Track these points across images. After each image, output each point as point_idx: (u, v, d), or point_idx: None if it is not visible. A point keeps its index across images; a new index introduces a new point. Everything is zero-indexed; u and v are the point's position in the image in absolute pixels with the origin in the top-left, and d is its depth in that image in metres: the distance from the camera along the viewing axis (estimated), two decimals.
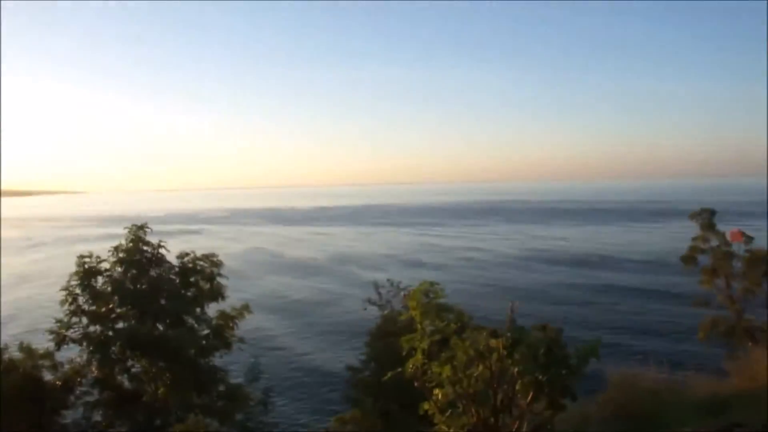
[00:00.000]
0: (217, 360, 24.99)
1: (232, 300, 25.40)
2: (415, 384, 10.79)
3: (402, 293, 26.40)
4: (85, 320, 24.06)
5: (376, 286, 28.01)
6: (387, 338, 23.96)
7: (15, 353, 25.80)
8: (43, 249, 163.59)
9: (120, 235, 25.35)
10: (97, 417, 24.36)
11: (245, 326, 25.42)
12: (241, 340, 24.97)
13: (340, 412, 27.74)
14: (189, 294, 24.32)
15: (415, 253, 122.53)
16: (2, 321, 64.53)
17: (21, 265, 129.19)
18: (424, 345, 10.53)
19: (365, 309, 28.82)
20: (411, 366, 10.71)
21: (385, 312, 26.90)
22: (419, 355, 10.54)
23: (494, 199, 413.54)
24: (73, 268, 24.36)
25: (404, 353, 10.92)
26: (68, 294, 24.14)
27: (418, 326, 10.77)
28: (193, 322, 24.20)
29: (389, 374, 11.42)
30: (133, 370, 24.65)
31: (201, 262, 24.68)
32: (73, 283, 24.24)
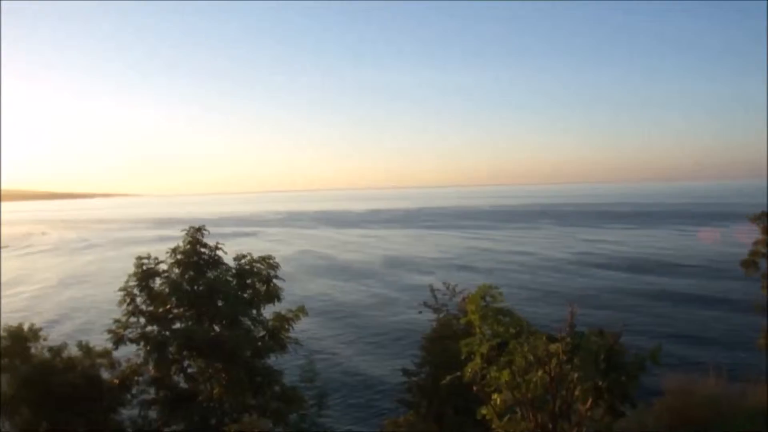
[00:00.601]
0: (272, 361, 25.06)
1: (286, 302, 25.52)
2: (474, 388, 10.77)
3: (457, 297, 26.28)
4: (142, 320, 24.38)
5: (432, 289, 27.87)
6: (442, 342, 23.94)
7: (74, 351, 26.33)
8: (97, 250, 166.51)
9: (172, 237, 25.63)
10: (153, 415, 24.67)
11: (299, 328, 25.52)
12: (296, 341, 24.97)
13: (393, 414, 27.82)
14: (245, 296, 24.40)
15: (466, 257, 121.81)
16: (57, 319, 65.80)
17: (75, 266, 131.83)
18: (484, 349, 10.49)
19: (420, 312, 28.75)
20: (470, 370, 10.68)
21: (441, 315, 26.81)
22: (478, 360, 10.51)
23: (543, 201, 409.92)
24: (126, 269, 24.71)
25: (463, 357, 10.90)
26: (126, 294, 24.46)
27: (477, 330, 10.74)
28: (249, 323, 24.28)
29: (448, 378, 11.41)
30: (189, 370, 24.91)
31: (258, 264, 24.76)
32: (132, 283, 24.56)
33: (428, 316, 27.78)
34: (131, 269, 24.50)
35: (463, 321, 11.75)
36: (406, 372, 27.46)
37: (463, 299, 21.24)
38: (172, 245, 25.13)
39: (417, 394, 26.02)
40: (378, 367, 49.18)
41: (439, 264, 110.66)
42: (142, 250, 26.84)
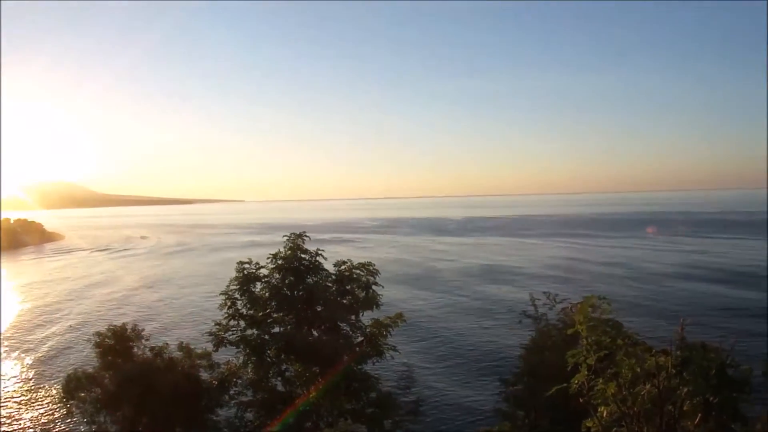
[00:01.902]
0: (369, 367, 24.98)
1: (383, 308, 25.40)
2: (580, 399, 10.41)
3: (557, 307, 25.75)
4: (242, 324, 24.62)
5: (532, 298, 27.39)
6: (541, 352, 23.47)
7: (175, 352, 26.78)
8: (190, 254, 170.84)
9: (265, 243, 25.79)
10: (249, 417, 24.94)
11: (396, 335, 25.37)
12: (394, 348, 24.83)
13: (488, 424, 27.39)
14: (345, 301, 24.45)
15: (568, 265, 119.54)
16: (144, 318, 67.44)
17: (166, 269, 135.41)
18: (591, 361, 10.13)
19: (520, 322, 28.30)
20: (576, 382, 10.32)
21: (540, 325, 26.31)
22: (584, 371, 10.15)
23: (648, 209, 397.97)
24: (214, 273, 25.13)
25: (568, 368, 10.54)
26: (227, 298, 24.80)
27: (584, 341, 10.38)
28: (348, 329, 24.31)
29: (554, 389, 11.04)
30: (287, 373, 25.07)
31: (357, 271, 24.77)
32: (233, 287, 24.86)
33: (527, 326, 27.32)
34: (219, 273, 24.93)
35: (570, 331, 11.33)
36: (503, 381, 27.07)
37: (570, 309, 20.65)
38: (264, 251, 25.33)
39: (513, 405, 25.60)
40: (473, 376, 48.68)
41: (537, 273, 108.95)
42: (235, 256, 27.21)
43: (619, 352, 10.06)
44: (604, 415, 10.04)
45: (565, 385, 10.51)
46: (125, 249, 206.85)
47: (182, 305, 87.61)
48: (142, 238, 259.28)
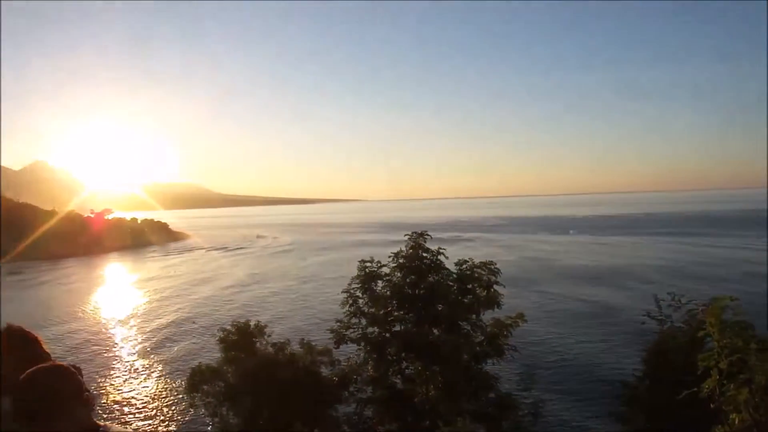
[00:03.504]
0: (490, 367, 24.83)
1: (504, 308, 25.22)
2: (711, 405, 10.05)
3: (683, 308, 25.03)
4: (363, 321, 24.84)
5: (656, 299, 26.68)
6: (665, 355, 22.88)
7: (296, 348, 27.29)
8: (298, 253, 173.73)
9: (384, 242, 25.91)
10: (368, 413, 25.13)
11: (517, 334, 25.15)
12: (514, 348, 24.61)
13: (606, 428, 26.88)
14: (466, 300, 24.35)
15: (693, 265, 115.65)
16: (264, 315, 68.73)
17: (289, 267, 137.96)
18: (723, 365, 9.77)
19: (643, 323, 27.62)
20: (707, 386, 9.97)
21: (665, 327, 25.63)
22: (716, 375, 9.79)
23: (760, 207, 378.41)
24: (337, 272, 25.40)
25: (699, 372, 10.20)
26: (349, 296, 25.07)
27: (716, 344, 10.02)
28: (469, 328, 24.21)
29: (684, 393, 10.71)
30: (407, 371, 25.13)
31: (479, 270, 24.62)
32: (355, 286, 25.13)
33: (651, 327, 26.65)
34: (337, 272, 25.27)
35: (700, 334, 10.94)
36: (624, 385, 26.50)
37: (699, 310, 20.07)
38: (382, 250, 25.51)
39: (635, 408, 25.03)
40: (600, 377, 47.80)
41: (665, 273, 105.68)
42: (352, 255, 27.53)
43: (751, 356, 9.68)
44: (736, 422, 9.67)
45: (695, 389, 10.15)
46: (244, 248, 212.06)
47: (301, 302, 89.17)
48: (259, 237, 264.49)
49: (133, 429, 39.50)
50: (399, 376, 25.22)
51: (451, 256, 25.93)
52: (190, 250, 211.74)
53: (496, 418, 24.21)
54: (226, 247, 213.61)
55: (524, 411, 25.77)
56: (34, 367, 3.94)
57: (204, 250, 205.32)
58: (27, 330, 5.43)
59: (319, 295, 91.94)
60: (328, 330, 25.95)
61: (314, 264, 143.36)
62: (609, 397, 36.60)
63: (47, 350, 5.39)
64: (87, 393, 4.03)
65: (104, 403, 47.36)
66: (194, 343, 66.93)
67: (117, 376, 55.51)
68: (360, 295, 25.03)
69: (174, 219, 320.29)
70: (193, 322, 77.29)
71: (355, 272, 25.79)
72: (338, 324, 25.15)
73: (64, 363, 4.02)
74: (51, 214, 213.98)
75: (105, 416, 42.44)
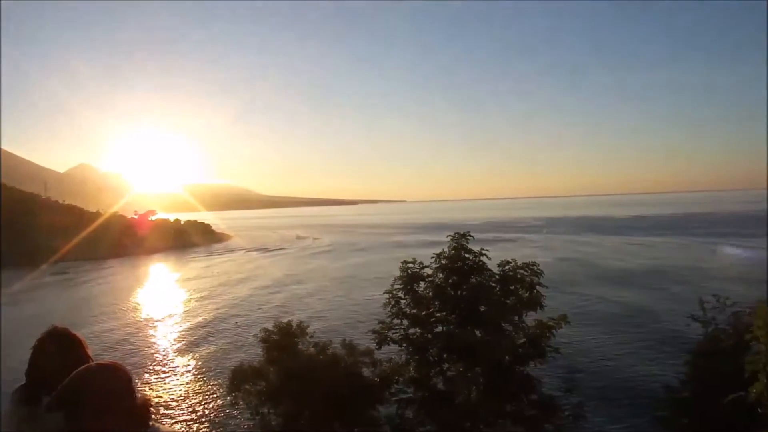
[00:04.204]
0: (531, 369, 24.74)
1: (546, 309, 25.08)
2: (759, 410, 9.96)
3: (728, 311, 24.75)
4: (406, 323, 24.90)
5: (701, 301, 26.40)
6: (710, 358, 22.64)
7: (338, 349, 27.43)
8: (354, 254, 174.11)
9: (425, 243, 25.90)
10: (409, 414, 25.15)
11: (558, 336, 25.00)
12: (557, 350, 24.47)
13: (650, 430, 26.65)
14: (508, 302, 24.30)
15: (736, 268, 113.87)
16: (305, 315, 69.12)
17: (332, 268, 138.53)
18: None
19: (687, 326, 27.38)
20: (754, 391, 9.87)
21: (709, 330, 25.36)
22: (763, 380, 9.69)
23: None
24: (378, 273, 25.47)
25: (746, 375, 10.10)
26: (391, 297, 25.16)
27: (763, 348, 9.91)
28: (511, 329, 24.16)
29: (730, 397, 10.63)
30: (449, 373, 25.13)
31: (521, 271, 24.57)
32: (397, 286, 25.21)
33: (694, 330, 26.41)
34: (377, 273, 25.32)
35: (747, 337, 10.84)
36: (667, 388, 26.27)
37: (747, 313, 19.78)
38: (424, 251, 25.53)
39: (678, 412, 24.79)
40: (641, 380, 47.35)
41: (706, 274, 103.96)
42: (393, 255, 27.61)
43: None
44: None
45: (742, 393, 10.04)
46: (284, 248, 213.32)
47: (341, 303, 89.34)
48: (299, 237, 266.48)
49: (179, 429, 39.90)
50: (440, 378, 25.24)
51: (490, 257, 25.89)
52: (232, 250, 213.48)
53: (538, 421, 24.15)
54: (266, 248, 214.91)
55: (566, 414, 25.66)
56: (85, 366, 3.99)
57: (245, 251, 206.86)
58: (72, 331, 5.51)
59: (358, 296, 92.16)
60: (369, 331, 26.09)
61: (353, 265, 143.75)
62: (651, 400, 36.42)
63: (89, 353, 5.47)
64: (139, 393, 4.07)
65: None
66: (233, 342, 67.41)
67: (155, 374, 56.05)
68: (402, 296, 25.13)
69: (216, 220, 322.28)
70: (236, 323, 77.77)
71: (394, 273, 25.91)
72: (380, 325, 25.30)
73: (116, 362, 4.07)
74: (95, 215, 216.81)
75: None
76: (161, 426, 4.20)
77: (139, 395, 4.04)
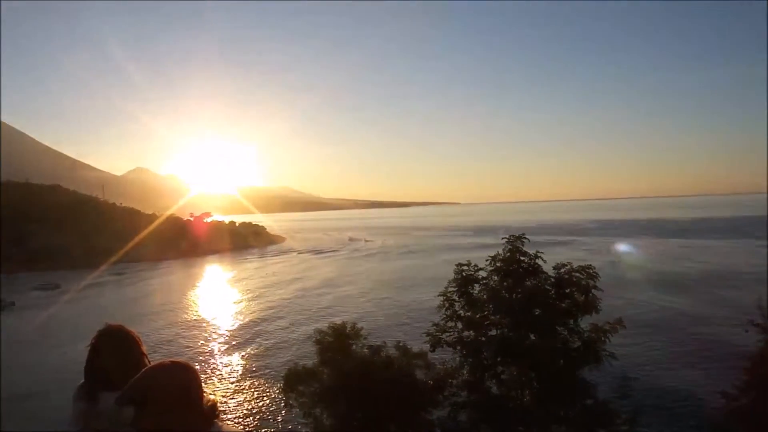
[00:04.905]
0: (586, 374, 24.49)
1: (602, 313, 24.81)
2: None
3: None
4: (460, 325, 24.86)
5: (759, 307, 25.96)
6: None
7: (392, 351, 27.51)
8: (408, 256, 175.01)
9: (478, 245, 25.83)
10: (462, 418, 25.06)
11: (615, 340, 24.70)
12: (612, 355, 24.16)
13: None
14: (563, 305, 24.09)
15: None
16: (357, 317, 69.43)
17: (383, 269, 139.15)
18: None
19: (747, 331, 26.95)
20: None
21: None
22: None
23: None
24: (431, 275, 25.45)
25: None
26: (446, 299, 25.13)
27: None
28: (566, 333, 23.95)
29: None
30: (503, 376, 24.99)
31: (577, 274, 24.33)
32: (451, 289, 25.20)
33: (754, 337, 26.00)
34: (430, 275, 25.31)
35: None
36: (724, 396, 25.87)
37: None
38: (480, 252, 25.45)
39: (737, 420, 24.43)
40: (692, 388, 46.72)
41: (763, 280, 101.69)
42: (447, 258, 27.60)
43: None
44: None
45: None
46: (336, 250, 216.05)
47: (393, 305, 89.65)
48: (351, 240, 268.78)
49: (242, 429, 40.27)
50: (494, 381, 25.12)
51: (546, 260, 25.69)
52: (286, 252, 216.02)
53: (592, 427, 23.91)
54: (319, 250, 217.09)
55: (621, 420, 25.38)
56: (158, 362, 4.04)
57: (297, 253, 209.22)
58: (127, 329, 5.58)
59: (410, 298, 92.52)
60: (423, 333, 26.10)
61: (405, 267, 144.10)
62: (708, 408, 35.95)
63: (144, 350, 5.54)
64: (205, 392, 4.11)
65: None
66: (283, 341, 68.24)
67: (203, 373, 56.73)
68: (456, 298, 25.09)
69: (269, 222, 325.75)
70: (290, 324, 78.44)
71: (446, 276, 25.93)
72: (434, 327, 25.26)
73: (183, 360, 4.11)
74: (151, 217, 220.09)
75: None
76: (225, 425, 4.24)
77: (207, 395, 4.08)
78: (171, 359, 4.03)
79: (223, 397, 49.62)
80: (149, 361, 5.30)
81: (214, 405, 4.07)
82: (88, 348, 5.55)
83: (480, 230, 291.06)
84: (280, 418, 43.63)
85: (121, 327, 5.60)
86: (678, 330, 67.09)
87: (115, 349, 5.37)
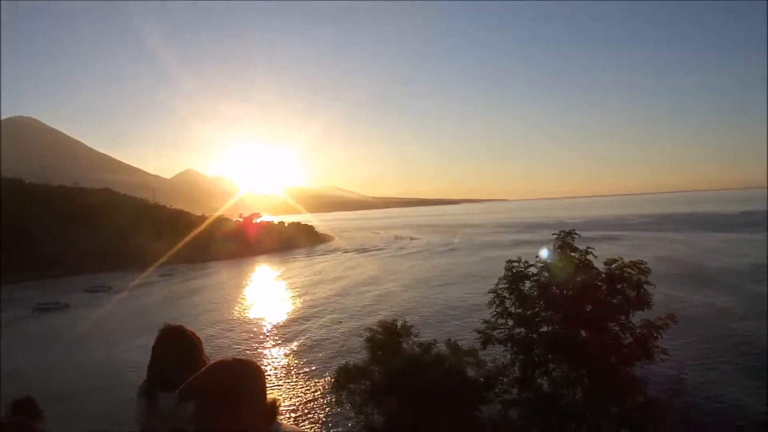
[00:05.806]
0: (638, 370, 24.25)
1: (654, 308, 24.52)
2: None
3: None
4: (510, 322, 24.76)
5: None
6: None
7: (442, 349, 27.48)
8: (458, 253, 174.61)
9: (530, 241, 25.71)
10: (513, 415, 25.01)
11: (666, 336, 24.38)
12: (664, 351, 23.89)
13: None
14: (614, 301, 23.89)
15: None
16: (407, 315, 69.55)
17: (433, 267, 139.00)
18: None
19: None
20: None
21: None
22: None
23: None
24: (481, 272, 25.36)
25: None
26: (496, 296, 25.07)
27: None
28: (617, 329, 23.74)
29: None
30: (554, 373, 24.86)
31: (628, 269, 24.07)
32: (501, 286, 25.12)
33: None
34: (481, 272, 25.19)
35: None
36: None
37: None
38: (528, 249, 25.31)
39: None
40: (746, 384, 45.97)
41: None
42: (496, 255, 27.52)
43: None
44: None
45: None
46: (382, 249, 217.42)
47: (441, 302, 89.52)
48: (397, 238, 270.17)
49: (302, 428, 40.54)
50: (545, 378, 24.99)
51: (596, 255, 25.45)
52: (333, 251, 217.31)
53: (644, 424, 23.69)
54: (365, 249, 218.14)
55: (673, 417, 25.11)
56: (222, 359, 4.05)
57: (342, 252, 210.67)
58: (186, 328, 5.67)
59: (457, 295, 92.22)
60: (474, 330, 26.12)
61: (451, 264, 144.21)
62: (761, 405, 35.30)
63: (203, 348, 5.63)
64: (270, 392, 4.10)
65: None
66: (329, 338, 68.67)
67: None
68: (507, 295, 25.01)
69: (317, 222, 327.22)
70: (339, 322, 78.83)
71: (495, 272, 25.86)
72: (485, 324, 25.22)
73: (247, 358, 4.11)
74: (201, 219, 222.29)
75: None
76: (286, 424, 4.24)
77: (269, 394, 4.07)
78: (234, 357, 4.04)
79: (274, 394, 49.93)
80: (209, 362, 5.36)
81: (275, 404, 4.04)
82: (152, 348, 5.65)
83: (527, 226, 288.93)
84: (330, 415, 43.75)
85: (181, 327, 5.66)
86: (734, 323, 66.04)
87: (174, 349, 5.45)
